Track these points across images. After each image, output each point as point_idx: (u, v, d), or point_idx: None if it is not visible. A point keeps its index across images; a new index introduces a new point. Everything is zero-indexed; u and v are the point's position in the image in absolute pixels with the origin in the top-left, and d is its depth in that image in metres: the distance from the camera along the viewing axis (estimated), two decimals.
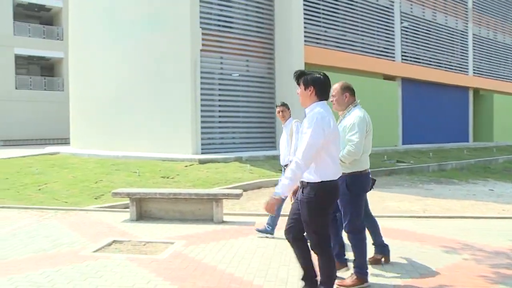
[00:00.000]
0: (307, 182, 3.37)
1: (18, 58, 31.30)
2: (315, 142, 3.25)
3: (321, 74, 3.49)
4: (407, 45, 22.60)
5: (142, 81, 15.46)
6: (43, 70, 34.89)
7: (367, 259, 4.13)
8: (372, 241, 4.61)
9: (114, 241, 5.60)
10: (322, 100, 3.46)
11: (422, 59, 23.64)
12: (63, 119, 26.32)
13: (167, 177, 10.94)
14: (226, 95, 15.45)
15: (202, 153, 14.16)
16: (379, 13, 20.78)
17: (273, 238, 5.65)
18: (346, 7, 19.13)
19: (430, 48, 24.14)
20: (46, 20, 34.01)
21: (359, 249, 4.04)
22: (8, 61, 30.26)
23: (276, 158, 10.71)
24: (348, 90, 4.19)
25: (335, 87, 4.20)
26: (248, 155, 13.84)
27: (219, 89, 15.34)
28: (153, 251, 5.17)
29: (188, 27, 13.91)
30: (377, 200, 9.06)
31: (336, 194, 3.48)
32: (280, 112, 5.93)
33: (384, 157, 16.37)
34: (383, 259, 4.61)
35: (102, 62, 17.17)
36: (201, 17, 14.32)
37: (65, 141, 27.15)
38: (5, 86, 29.95)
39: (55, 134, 30.34)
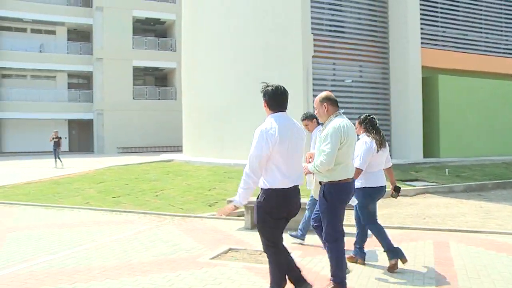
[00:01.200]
0: (261, 188, 3.53)
1: (135, 70, 33.79)
2: (258, 154, 3.39)
3: (273, 86, 3.58)
4: None
5: (252, 89, 15.39)
6: (157, 81, 37.33)
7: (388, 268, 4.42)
8: (383, 249, 4.70)
9: (230, 249, 5.59)
10: (278, 112, 3.55)
11: None
12: (175, 128, 27.66)
13: None
14: (339, 102, 14.90)
15: None
16: (508, 6, 18.82)
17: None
18: (467, 3, 17.65)
19: None
20: (160, 32, 36.46)
21: (335, 258, 3.90)
22: (127, 73, 32.86)
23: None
24: (327, 100, 4.08)
25: (315, 99, 4.14)
26: None
27: None
28: None
29: (300, 33, 13.76)
30: (510, 215, 8.06)
31: (286, 202, 3.49)
32: (306, 126, 5.76)
33: None
34: (401, 262, 4.61)
35: (212, 71, 17.63)
36: (312, 23, 14.12)
37: (177, 149, 28.56)
38: (124, 97, 32.49)
39: (168, 142, 32.06)
